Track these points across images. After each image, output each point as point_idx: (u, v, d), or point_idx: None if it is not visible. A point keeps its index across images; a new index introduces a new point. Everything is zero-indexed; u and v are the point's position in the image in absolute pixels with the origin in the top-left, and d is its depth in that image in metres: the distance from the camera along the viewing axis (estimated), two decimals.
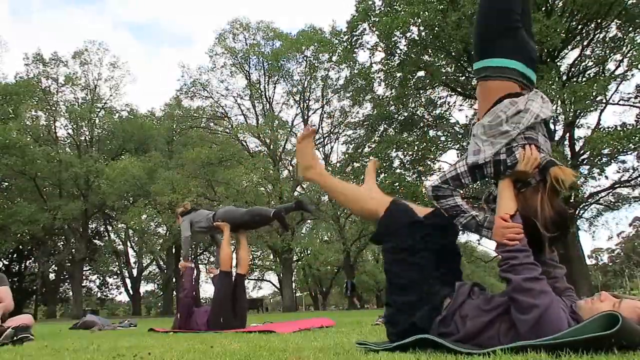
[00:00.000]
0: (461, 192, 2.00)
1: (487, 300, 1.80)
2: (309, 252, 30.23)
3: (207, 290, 53.27)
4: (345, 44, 18.97)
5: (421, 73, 17.75)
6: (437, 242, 1.95)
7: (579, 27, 15.12)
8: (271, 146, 27.42)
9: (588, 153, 14.86)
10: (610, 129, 14.06)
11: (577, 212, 15.57)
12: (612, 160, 15.02)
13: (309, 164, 2.33)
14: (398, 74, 17.64)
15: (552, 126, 16.05)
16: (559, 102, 14.22)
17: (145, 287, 43.00)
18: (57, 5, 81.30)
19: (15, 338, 3.61)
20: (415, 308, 1.87)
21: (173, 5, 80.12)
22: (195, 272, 5.98)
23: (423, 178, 18.28)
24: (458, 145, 17.58)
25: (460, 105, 19.11)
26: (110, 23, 74.02)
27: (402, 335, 1.88)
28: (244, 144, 28.33)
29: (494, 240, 1.82)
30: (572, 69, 15.91)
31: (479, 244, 28.49)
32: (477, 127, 1.95)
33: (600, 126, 15.33)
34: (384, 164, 18.46)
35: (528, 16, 2.07)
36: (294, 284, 33.99)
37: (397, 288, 1.95)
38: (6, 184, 27.57)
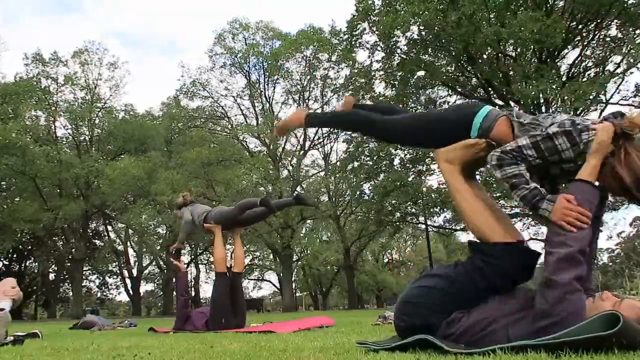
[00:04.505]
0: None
1: (500, 300, 1.82)
2: (308, 252, 30.25)
3: (207, 290, 53.31)
4: (345, 43, 18.98)
5: (421, 73, 17.76)
6: (508, 285, 1.88)
7: (579, 27, 15.13)
8: (271, 146, 27.45)
9: None
10: None
11: None
12: None
13: (452, 160, 2.06)
14: (398, 74, 17.65)
15: None
16: (559, 101, 14.24)
17: (145, 287, 43.08)
18: (44, 14, 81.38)
19: (15, 339, 3.61)
20: (440, 314, 1.87)
21: (160, 11, 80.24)
22: (189, 275, 6.04)
23: (422, 177, 18.31)
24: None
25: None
26: (98, 31, 73.87)
27: (412, 329, 1.88)
28: (244, 143, 28.36)
29: (551, 219, 1.72)
30: (572, 69, 15.92)
31: None
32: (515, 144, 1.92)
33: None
34: (385, 161, 18.49)
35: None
36: (294, 284, 34.02)
37: (449, 292, 1.88)
38: (6, 184, 27.56)
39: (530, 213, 16.26)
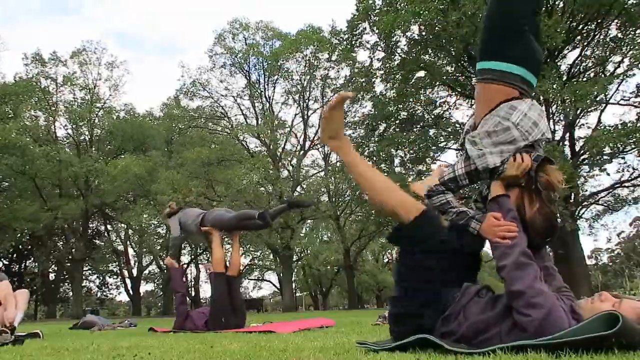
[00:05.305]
0: (454, 192, 2.02)
1: (493, 300, 1.81)
2: (309, 252, 30.22)
3: (207, 290, 53.29)
4: (345, 43, 18.97)
5: (421, 73, 17.75)
6: (454, 244, 1.93)
7: (579, 27, 15.13)
8: (271, 146, 27.44)
9: (588, 153, 14.86)
10: (610, 127, 14.07)
11: (577, 212, 15.57)
12: (613, 159, 15.02)
13: (334, 134, 2.10)
14: (398, 74, 17.64)
15: (552, 126, 16.07)
16: (559, 101, 14.24)
17: (145, 287, 43.09)
18: (44, 14, 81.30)
19: (15, 339, 3.61)
20: (422, 310, 1.88)
21: (160, 11, 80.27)
22: (184, 272, 6.05)
23: (423, 178, 18.29)
24: (457, 145, 17.59)
25: (460, 105, 19.14)
26: (98, 31, 73.70)
27: (407, 335, 1.88)
28: (244, 143, 28.35)
29: (485, 237, 1.86)
30: (573, 69, 15.92)
31: None
32: (478, 134, 1.95)
33: (600, 124, 15.34)
34: (385, 162, 18.47)
35: (537, 15, 2.06)
36: (294, 284, 34.01)
37: (407, 290, 1.95)
38: (6, 184, 27.57)
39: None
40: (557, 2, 14.82)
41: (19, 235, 26.24)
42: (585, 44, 15.58)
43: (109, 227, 33.80)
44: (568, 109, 14.45)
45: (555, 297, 1.69)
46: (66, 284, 35.34)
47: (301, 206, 5.59)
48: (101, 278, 38.40)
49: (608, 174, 15.39)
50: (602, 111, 15.79)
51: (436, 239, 1.91)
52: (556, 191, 1.90)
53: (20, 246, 30.56)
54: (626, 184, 16.38)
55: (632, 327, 1.49)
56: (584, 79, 15.05)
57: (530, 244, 1.81)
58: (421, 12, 14.76)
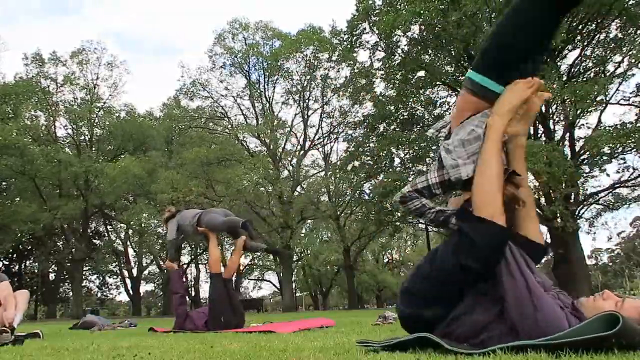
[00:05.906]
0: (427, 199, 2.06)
1: (493, 299, 1.78)
2: (309, 252, 30.22)
3: (207, 290, 53.21)
4: (345, 43, 18.98)
5: (421, 73, 17.76)
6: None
7: (580, 27, 15.13)
8: (271, 146, 27.45)
9: (588, 153, 14.85)
10: (610, 128, 14.06)
11: (577, 212, 15.56)
12: (613, 159, 15.00)
13: (503, 111, 1.81)
14: (398, 74, 17.65)
15: (552, 126, 16.08)
16: (560, 101, 14.23)
17: (145, 287, 43.11)
18: (44, 14, 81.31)
19: (15, 339, 3.61)
20: (435, 306, 1.82)
21: (160, 11, 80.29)
22: (184, 273, 6.08)
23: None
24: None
25: None
26: (98, 31, 73.54)
27: (412, 318, 1.87)
28: (244, 143, 28.37)
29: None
30: (573, 69, 15.91)
31: None
32: (452, 142, 1.92)
33: (600, 124, 15.33)
34: (385, 161, 18.47)
35: (544, 52, 2.01)
36: (294, 284, 34.02)
37: (429, 276, 1.83)
38: (5, 184, 27.58)
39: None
40: None
41: (18, 235, 26.25)
42: (585, 44, 15.57)
43: (109, 227, 33.81)
44: (568, 109, 14.44)
45: (552, 296, 1.69)
46: (66, 284, 35.37)
47: (265, 250, 5.69)
48: (101, 278, 38.44)
49: (608, 175, 15.37)
50: (602, 111, 15.78)
51: (490, 254, 1.70)
52: (521, 205, 1.85)
53: (20, 246, 30.57)
54: (626, 185, 16.36)
55: (632, 327, 1.49)
56: (584, 79, 15.03)
57: None
58: (421, 12, 14.76)
